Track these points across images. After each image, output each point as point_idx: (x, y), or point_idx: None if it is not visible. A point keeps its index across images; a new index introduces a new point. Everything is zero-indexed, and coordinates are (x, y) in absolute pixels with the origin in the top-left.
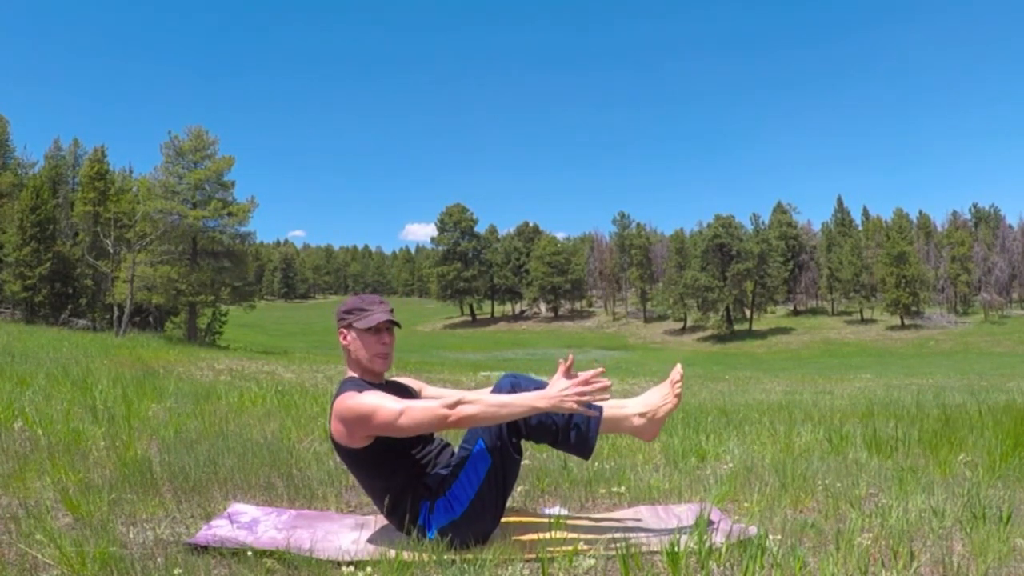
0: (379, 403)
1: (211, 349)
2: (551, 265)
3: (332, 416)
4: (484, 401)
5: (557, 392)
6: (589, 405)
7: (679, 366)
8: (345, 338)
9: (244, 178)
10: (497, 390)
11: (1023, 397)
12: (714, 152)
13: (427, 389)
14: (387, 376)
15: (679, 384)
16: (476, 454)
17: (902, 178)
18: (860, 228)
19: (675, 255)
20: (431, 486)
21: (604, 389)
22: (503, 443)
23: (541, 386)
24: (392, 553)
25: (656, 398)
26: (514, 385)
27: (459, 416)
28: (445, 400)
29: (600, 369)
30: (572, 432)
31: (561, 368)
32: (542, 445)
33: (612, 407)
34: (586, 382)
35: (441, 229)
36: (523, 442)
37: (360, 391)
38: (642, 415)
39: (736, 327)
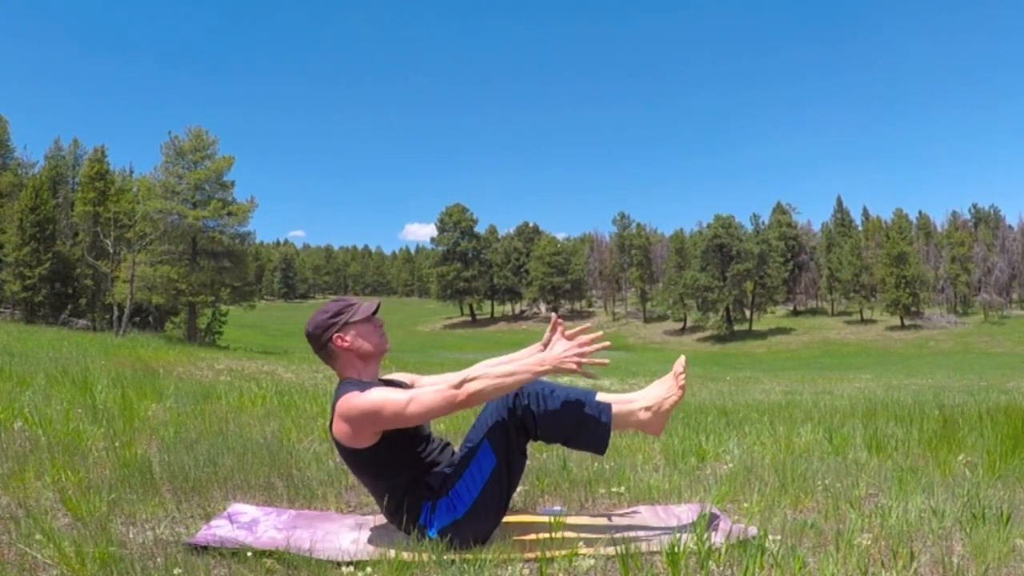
0: (385, 396)
1: (211, 349)
2: (551, 265)
3: (335, 417)
4: (489, 375)
5: (558, 354)
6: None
7: (682, 358)
8: (344, 340)
9: (244, 178)
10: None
11: (1023, 397)
12: (714, 152)
13: (421, 380)
14: (380, 375)
15: (683, 376)
16: (481, 453)
17: (902, 178)
18: (860, 228)
19: (675, 255)
20: (433, 485)
21: (603, 349)
22: (509, 443)
23: (548, 384)
24: (392, 553)
25: (661, 391)
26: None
27: (467, 394)
28: (450, 381)
29: (599, 333)
30: (585, 428)
31: (559, 331)
32: (539, 443)
33: (618, 403)
34: (586, 343)
35: (441, 229)
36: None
37: (363, 390)
38: (648, 408)
39: (736, 327)
